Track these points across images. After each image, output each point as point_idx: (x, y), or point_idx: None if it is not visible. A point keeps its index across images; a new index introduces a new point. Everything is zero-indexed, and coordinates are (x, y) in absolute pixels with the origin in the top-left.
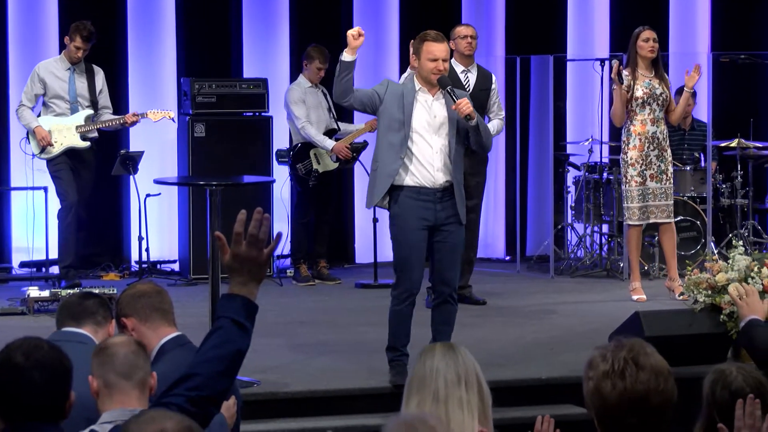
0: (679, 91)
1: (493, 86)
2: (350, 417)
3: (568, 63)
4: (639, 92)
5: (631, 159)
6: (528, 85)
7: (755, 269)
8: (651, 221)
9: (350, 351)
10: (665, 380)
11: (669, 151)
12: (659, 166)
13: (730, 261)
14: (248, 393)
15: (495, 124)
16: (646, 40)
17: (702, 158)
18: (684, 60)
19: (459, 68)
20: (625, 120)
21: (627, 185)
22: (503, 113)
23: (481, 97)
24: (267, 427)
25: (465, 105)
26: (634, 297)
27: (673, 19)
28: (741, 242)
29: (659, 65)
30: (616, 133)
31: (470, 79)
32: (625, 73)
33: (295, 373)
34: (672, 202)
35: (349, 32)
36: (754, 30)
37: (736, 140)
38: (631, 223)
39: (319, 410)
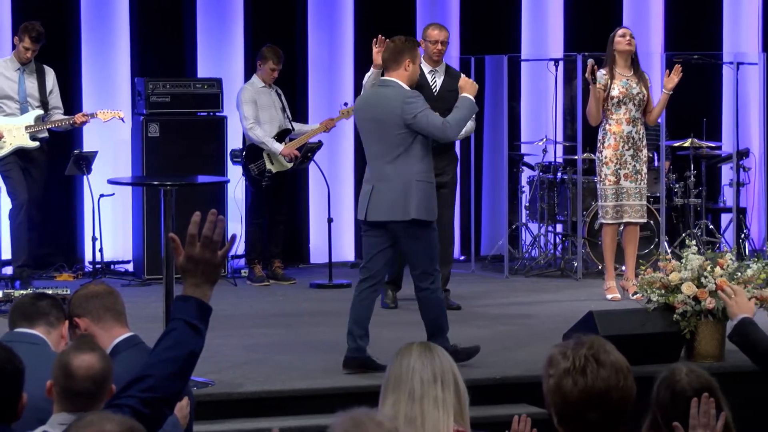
0: None
1: None
2: (305, 417)
3: (523, 63)
4: (615, 91)
5: (605, 158)
6: (482, 86)
7: (708, 269)
8: (624, 220)
9: (305, 351)
10: (625, 377)
11: (645, 151)
12: (634, 165)
13: (683, 260)
14: (202, 393)
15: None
16: (622, 35)
17: (655, 158)
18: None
19: (426, 69)
20: (602, 119)
21: (601, 184)
22: None
23: (448, 97)
24: (221, 428)
25: None
26: (609, 296)
27: (626, 20)
28: (694, 242)
29: (638, 64)
30: (570, 133)
31: (437, 80)
32: (602, 72)
33: (250, 374)
34: (645, 202)
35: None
36: (707, 30)
37: (689, 140)
38: (605, 221)
39: (274, 410)
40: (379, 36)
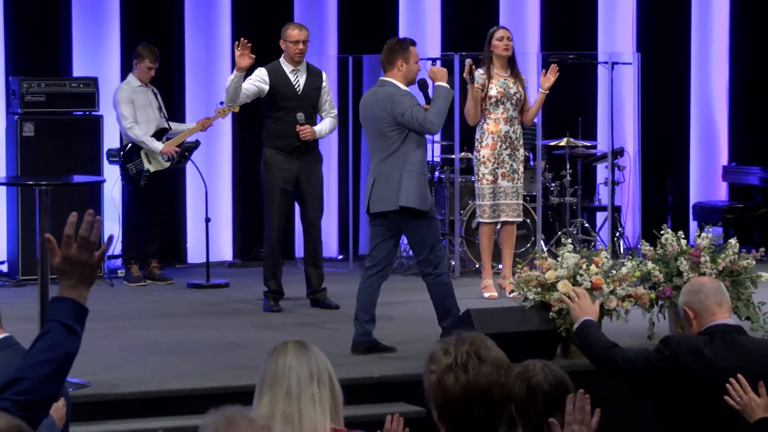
0: None
1: (324, 84)
2: (182, 418)
3: None
4: (493, 91)
5: (483, 157)
6: (360, 85)
7: (584, 267)
8: (501, 219)
9: (182, 351)
10: (506, 373)
11: (522, 150)
12: (511, 165)
13: (559, 259)
14: (78, 395)
15: (327, 122)
16: (500, 39)
17: (531, 157)
18: None
19: (288, 68)
20: (480, 118)
21: (479, 183)
22: (335, 111)
23: (312, 96)
24: (98, 429)
25: None
26: (486, 294)
27: (503, 20)
28: (570, 240)
29: (515, 65)
30: (447, 132)
31: (300, 79)
32: (480, 71)
33: (126, 374)
34: (522, 201)
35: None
36: (582, 31)
37: (565, 139)
38: (482, 220)
39: (151, 411)
40: (242, 39)
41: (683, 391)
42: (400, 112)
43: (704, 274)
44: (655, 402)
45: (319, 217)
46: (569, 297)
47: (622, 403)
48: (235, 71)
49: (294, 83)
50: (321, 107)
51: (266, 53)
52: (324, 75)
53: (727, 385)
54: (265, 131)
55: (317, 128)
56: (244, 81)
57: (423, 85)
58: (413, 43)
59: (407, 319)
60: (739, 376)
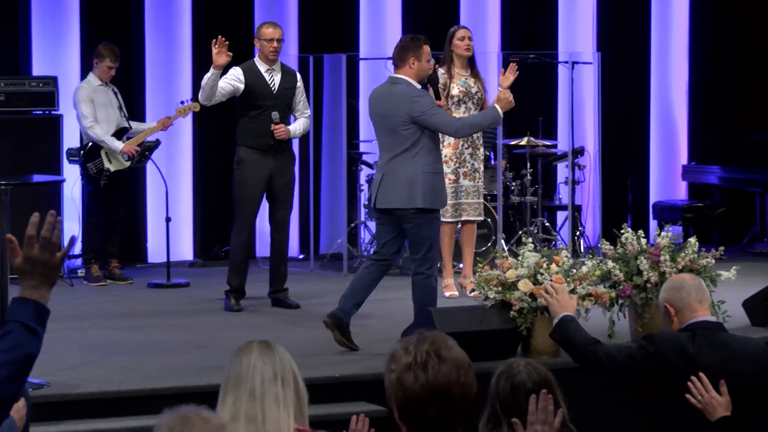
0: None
1: (298, 84)
2: (143, 418)
3: (361, 62)
4: (455, 90)
5: (445, 157)
6: (321, 84)
7: (544, 266)
8: (462, 218)
9: (143, 351)
10: (466, 373)
11: (482, 149)
12: (472, 164)
13: (519, 258)
14: (38, 395)
15: (301, 122)
16: (461, 39)
17: (492, 156)
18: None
19: (263, 68)
20: None
21: None
22: (309, 111)
23: (286, 95)
24: (58, 429)
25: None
26: (447, 294)
27: (463, 19)
28: (530, 239)
29: (474, 64)
30: None
31: (275, 79)
32: (441, 71)
33: (87, 374)
34: (482, 200)
35: None
36: (543, 30)
37: (526, 138)
38: (444, 220)
39: (111, 411)
40: (219, 37)
41: (666, 390)
42: (420, 111)
43: (664, 273)
44: (638, 401)
45: (288, 217)
46: (547, 292)
47: (585, 400)
48: (212, 69)
49: (269, 82)
50: (295, 107)
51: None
52: (298, 75)
53: (689, 383)
54: (240, 130)
55: (291, 128)
56: (220, 79)
57: (433, 80)
58: (427, 41)
59: (368, 317)
60: (701, 374)
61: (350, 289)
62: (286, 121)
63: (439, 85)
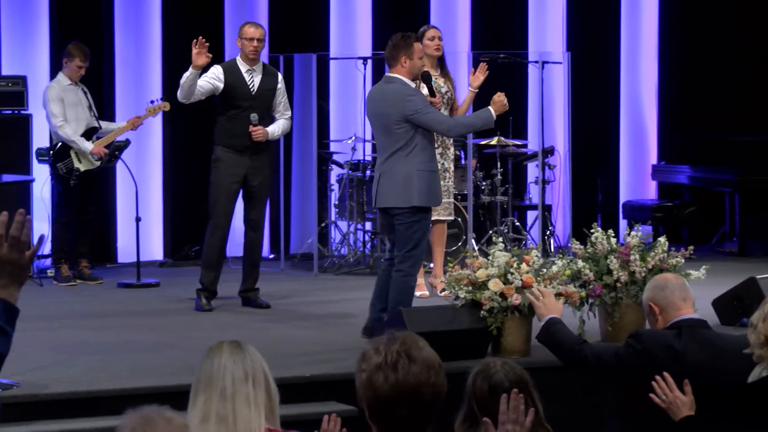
0: None
1: (279, 86)
2: (113, 418)
3: (331, 61)
4: (424, 90)
5: None
6: (291, 84)
7: (514, 265)
8: (433, 218)
9: (112, 351)
10: (436, 373)
11: (452, 149)
12: (443, 164)
13: (490, 257)
14: (8, 395)
15: (281, 123)
16: (431, 39)
17: (462, 156)
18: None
19: (243, 68)
20: None
21: None
22: (290, 113)
23: (266, 96)
24: (28, 429)
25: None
26: (417, 293)
27: (433, 19)
28: (501, 239)
29: (444, 64)
30: None
31: (255, 79)
32: None
33: (56, 374)
34: (452, 199)
35: None
36: (513, 30)
37: (496, 138)
38: None
39: (81, 412)
40: (200, 38)
41: (652, 389)
42: (412, 109)
43: (634, 272)
44: (624, 401)
45: (262, 217)
46: (534, 296)
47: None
48: (190, 68)
49: (249, 83)
50: (275, 108)
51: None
52: (280, 76)
53: (653, 383)
54: (218, 129)
55: (270, 129)
56: (199, 78)
57: (427, 78)
58: (418, 39)
59: (338, 317)
60: (665, 374)
61: (373, 295)
62: (265, 122)
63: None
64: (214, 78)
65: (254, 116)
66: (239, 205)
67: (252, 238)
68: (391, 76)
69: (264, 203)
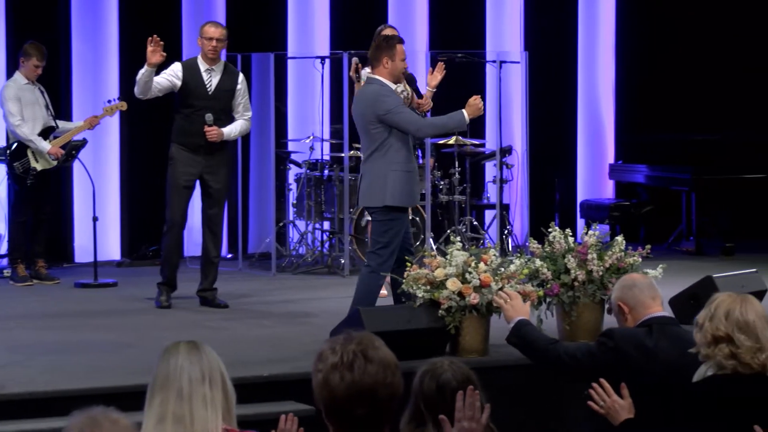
0: None
1: (239, 86)
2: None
3: (289, 61)
4: (400, 91)
5: None
6: (249, 83)
7: (472, 265)
8: None
9: (70, 351)
10: (393, 373)
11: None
12: None
13: (448, 257)
14: None
15: (239, 124)
16: None
17: (420, 155)
18: None
19: (203, 67)
20: None
21: None
22: (250, 113)
23: (223, 97)
24: None
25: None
26: None
27: (391, 18)
28: (459, 238)
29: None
30: (337, 131)
31: (213, 79)
32: (367, 70)
33: (13, 375)
34: None
35: None
36: (471, 30)
37: (454, 138)
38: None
39: (38, 412)
40: (154, 36)
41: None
42: (384, 110)
43: (591, 271)
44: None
45: (220, 217)
46: (502, 298)
47: (513, 398)
48: (146, 66)
49: (206, 82)
50: (235, 108)
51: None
52: (241, 77)
53: (590, 390)
54: (174, 127)
55: (226, 130)
56: (158, 75)
57: (411, 80)
58: (401, 41)
59: (296, 316)
60: (602, 380)
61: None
62: (223, 122)
63: (363, 84)
64: (172, 75)
65: (209, 116)
66: (198, 204)
67: (209, 238)
68: (371, 77)
69: (222, 203)
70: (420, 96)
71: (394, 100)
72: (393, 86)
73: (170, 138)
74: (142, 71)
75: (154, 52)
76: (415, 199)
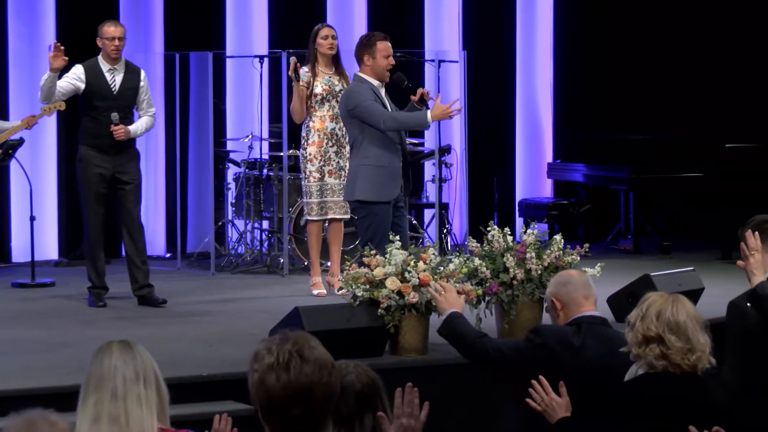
0: None
1: (142, 83)
2: (5, 419)
3: (228, 60)
4: (318, 89)
5: (309, 155)
6: (187, 82)
7: (412, 264)
8: (329, 217)
9: (6, 351)
10: (329, 373)
11: (348, 147)
12: (338, 162)
13: (387, 256)
14: None
15: (144, 121)
16: (324, 38)
17: None
18: None
19: (105, 67)
20: (306, 116)
21: (306, 181)
22: (153, 110)
23: (128, 95)
24: None
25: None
26: (315, 292)
27: (330, 17)
28: (398, 237)
29: (339, 62)
30: (275, 130)
31: (116, 78)
32: (305, 69)
33: None
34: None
35: None
36: (409, 29)
37: None
38: (309, 218)
39: None
40: (55, 42)
41: (550, 382)
42: (353, 104)
43: (530, 270)
44: (523, 391)
45: (137, 213)
46: (436, 290)
47: (454, 397)
48: (48, 71)
49: (110, 82)
50: (139, 105)
51: (90, 51)
52: (143, 73)
53: (530, 389)
54: (81, 128)
55: (132, 127)
56: (60, 78)
57: (399, 79)
58: (384, 37)
59: (235, 316)
60: (541, 377)
61: None
62: (128, 120)
63: (302, 83)
64: (75, 78)
65: (115, 115)
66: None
67: (133, 235)
68: (356, 75)
69: (138, 197)
70: (408, 96)
71: (363, 95)
72: (376, 83)
73: (78, 140)
74: (45, 77)
75: (55, 58)
76: (390, 194)
